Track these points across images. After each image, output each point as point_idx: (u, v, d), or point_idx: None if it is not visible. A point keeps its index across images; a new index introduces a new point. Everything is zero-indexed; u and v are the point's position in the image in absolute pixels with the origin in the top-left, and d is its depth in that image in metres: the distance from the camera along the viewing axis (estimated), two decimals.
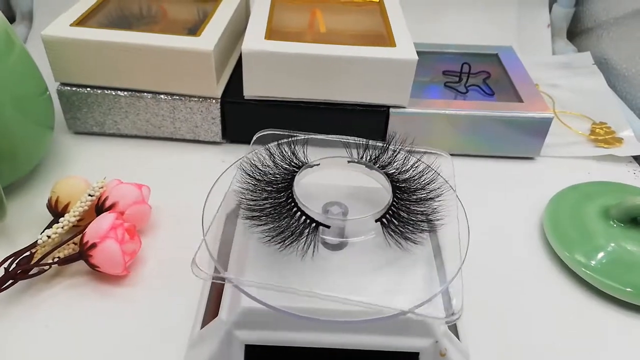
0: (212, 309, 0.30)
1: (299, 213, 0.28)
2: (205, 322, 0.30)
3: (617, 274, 0.36)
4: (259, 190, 0.30)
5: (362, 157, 0.32)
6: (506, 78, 0.53)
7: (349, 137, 0.34)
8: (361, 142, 0.33)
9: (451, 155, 0.48)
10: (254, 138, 0.34)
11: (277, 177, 0.30)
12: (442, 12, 0.67)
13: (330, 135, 0.34)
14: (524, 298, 0.37)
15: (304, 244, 0.28)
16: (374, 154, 0.32)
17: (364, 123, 0.47)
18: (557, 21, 0.69)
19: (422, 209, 0.30)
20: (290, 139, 0.33)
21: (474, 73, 0.53)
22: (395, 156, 0.32)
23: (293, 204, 0.29)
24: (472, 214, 0.43)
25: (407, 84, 0.45)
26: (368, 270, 0.28)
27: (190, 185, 0.43)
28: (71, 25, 0.45)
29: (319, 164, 0.31)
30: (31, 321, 0.33)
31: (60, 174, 0.44)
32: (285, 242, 0.28)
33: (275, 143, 0.33)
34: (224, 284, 0.29)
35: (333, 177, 0.32)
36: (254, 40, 0.44)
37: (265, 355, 0.28)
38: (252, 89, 0.45)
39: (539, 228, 0.42)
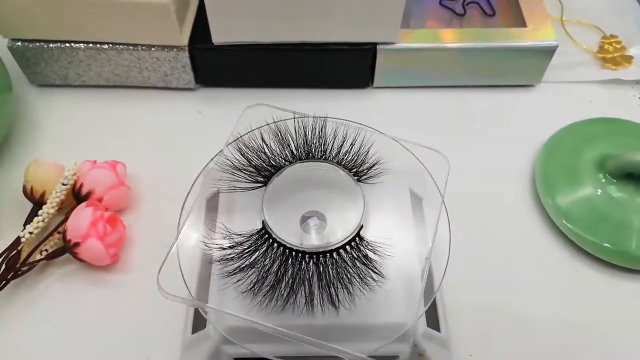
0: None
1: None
2: (194, 324, 0.31)
3: (597, 228, 0.36)
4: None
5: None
6: None
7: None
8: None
9: (441, 87, 0.45)
10: (241, 114, 0.31)
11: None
12: None
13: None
14: (507, 249, 0.37)
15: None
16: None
17: (348, 66, 0.43)
18: None
19: None
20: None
21: None
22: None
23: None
24: (461, 154, 0.40)
25: (397, 15, 0.40)
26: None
27: (166, 143, 0.42)
28: None
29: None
30: (30, 318, 0.34)
31: (33, 138, 0.43)
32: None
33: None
34: None
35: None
36: None
37: None
38: (220, 35, 0.41)
39: (531, 172, 0.41)
